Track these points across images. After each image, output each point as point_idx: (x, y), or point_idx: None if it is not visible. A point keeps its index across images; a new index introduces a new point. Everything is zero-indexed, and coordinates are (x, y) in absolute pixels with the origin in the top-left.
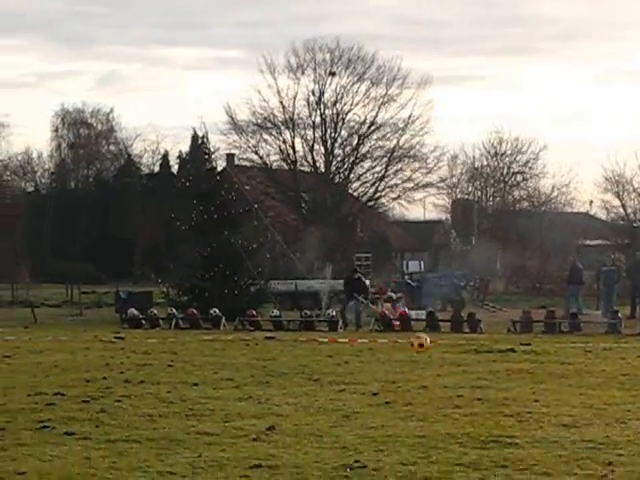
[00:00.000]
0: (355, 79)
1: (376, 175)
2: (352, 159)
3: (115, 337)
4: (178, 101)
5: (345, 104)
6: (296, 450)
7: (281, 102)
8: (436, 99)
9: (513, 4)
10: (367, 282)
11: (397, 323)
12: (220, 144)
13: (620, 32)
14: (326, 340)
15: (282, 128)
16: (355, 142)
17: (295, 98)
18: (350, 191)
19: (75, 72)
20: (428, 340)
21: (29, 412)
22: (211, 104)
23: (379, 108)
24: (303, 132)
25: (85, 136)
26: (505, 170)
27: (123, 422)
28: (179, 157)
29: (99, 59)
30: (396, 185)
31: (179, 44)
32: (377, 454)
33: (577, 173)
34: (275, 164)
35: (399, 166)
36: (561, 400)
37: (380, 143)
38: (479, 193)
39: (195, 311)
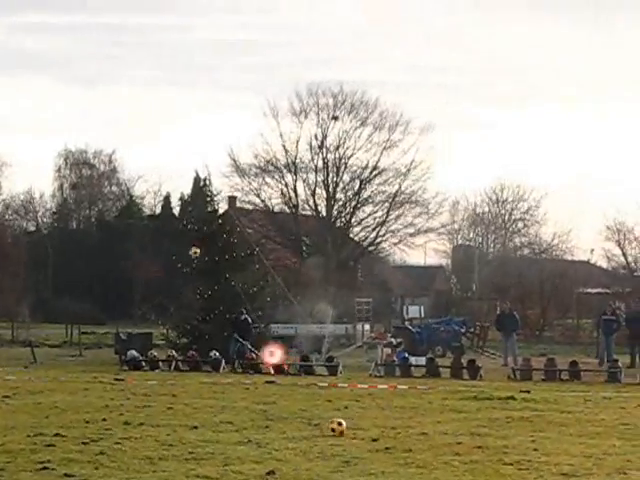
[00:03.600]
0: (358, 124)
1: (377, 220)
2: (354, 203)
3: (115, 379)
4: (180, 143)
5: (347, 148)
6: None
7: (284, 146)
8: (438, 145)
9: (512, 54)
10: (251, 322)
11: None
12: (222, 187)
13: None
14: (326, 384)
15: (284, 172)
16: (357, 186)
17: (298, 142)
18: (351, 235)
19: (78, 113)
20: (343, 424)
21: (29, 453)
22: (214, 147)
23: (381, 153)
24: (305, 176)
25: (87, 177)
26: (507, 217)
27: (123, 464)
28: (181, 199)
29: (102, 100)
30: (397, 230)
31: (182, 86)
32: None
33: (578, 222)
34: (277, 207)
35: (400, 211)
36: (561, 449)
37: (382, 188)
38: (480, 239)
39: (195, 353)
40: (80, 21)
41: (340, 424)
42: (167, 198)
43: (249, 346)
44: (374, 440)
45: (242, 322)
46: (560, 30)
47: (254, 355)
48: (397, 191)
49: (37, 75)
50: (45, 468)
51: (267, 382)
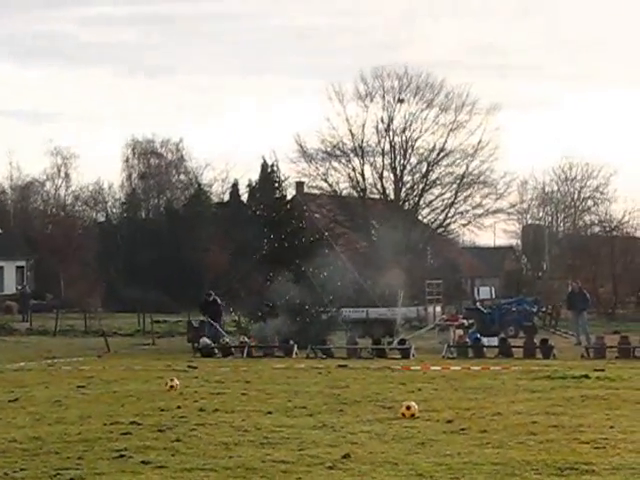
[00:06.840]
0: (424, 106)
1: (446, 202)
2: (422, 186)
3: (188, 366)
4: (247, 130)
5: (414, 131)
6: (372, 478)
7: (350, 130)
8: (505, 125)
9: (581, 29)
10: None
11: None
12: (290, 172)
13: None
14: (399, 367)
15: (351, 156)
16: (424, 169)
17: (364, 126)
18: (420, 218)
19: (145, 102)
20: (412, 407)
21: (105, 441)
22: (280, 132)
23: (448, 134)
24: (372, 159)
25: (155, 166)
26: (576, 195)
27: (199, 451)
28: (249, 186)
29: (169, 89)
30: (466, 211)
31: (248, 73)
32: None
33: None
34: (344, 192)
35: (469, 192)
36: (637, 426)
37: (449, 169)
38: (549, 218)
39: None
40: (146, 11)
41: (409, 408)
42: (235, 185)
43: (219, 328)
44: (449, 421)
45: (211, 304)
46: (626, 7)
47: (226, 338)
48: (465, 172)
49: (102, 66)
50: (122, 456)
51: (339, 366)
